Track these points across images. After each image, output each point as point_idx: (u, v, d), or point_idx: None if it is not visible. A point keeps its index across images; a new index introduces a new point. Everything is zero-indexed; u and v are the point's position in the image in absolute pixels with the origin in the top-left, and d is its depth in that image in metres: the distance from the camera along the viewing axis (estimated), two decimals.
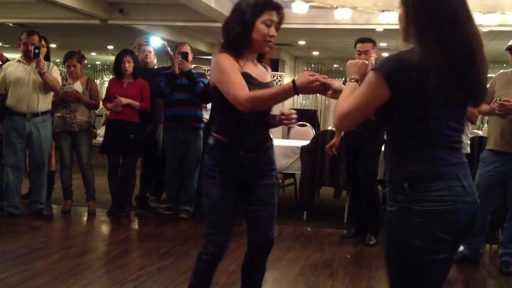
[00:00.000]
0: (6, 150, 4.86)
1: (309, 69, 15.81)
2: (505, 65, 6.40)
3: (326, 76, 2.10)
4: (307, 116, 10.72)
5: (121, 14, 9.68)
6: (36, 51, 4.64)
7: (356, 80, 1.83)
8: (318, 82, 2.08)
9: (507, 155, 3.73)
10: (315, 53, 14.62)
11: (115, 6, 9.70)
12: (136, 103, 4.97)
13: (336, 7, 8.04)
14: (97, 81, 15.78)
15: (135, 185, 5.32)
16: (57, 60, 12.12)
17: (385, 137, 1.88)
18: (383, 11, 8.01)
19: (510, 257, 3.86)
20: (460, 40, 1.59)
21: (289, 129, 7.41)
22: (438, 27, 1.59)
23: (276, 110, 2.44)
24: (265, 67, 2.42)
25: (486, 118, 7.66)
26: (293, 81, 2.10)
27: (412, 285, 1.70)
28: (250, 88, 2.19)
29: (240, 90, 2.16)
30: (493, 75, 4.06)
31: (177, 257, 3.90)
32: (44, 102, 4.86)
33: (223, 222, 2.37)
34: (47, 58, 5.15)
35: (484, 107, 3.88)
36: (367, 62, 1.96)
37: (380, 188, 4.96)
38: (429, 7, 1.61)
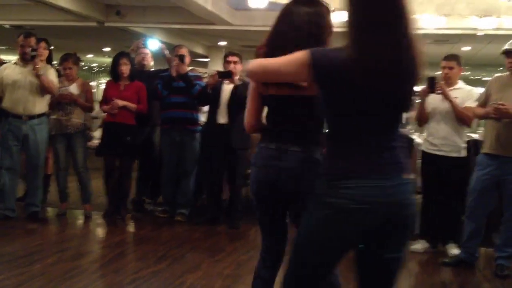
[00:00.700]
0: (2, 153, 4.84)
1: None
2: (500, 68, 6.43)
3: None
4: None
5: (118, 16, 9.70)
6: (33, 53, 4.63)
7: None
8: None
9: (502, 159, 3.74)
10: None
11: (112, 9, 9.71)
12: (133, 105, 4.96)
13: (333, 10, 8.05)
14: (94, 83, 15.76)
15: (131, 187, 5.31)
16: (54, 62, 12.10)
17: None
18: None
19: (505, 260, 3.87)
20: (388, 45, 1.59)
21: None
22: (368, 30, 1.61)
23: None
24: None
25: (482, 121, 7.68)
26: None
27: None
28: None
29: None
30: (489, 79, 4.08)
31: (172, 260, 3.88)
32: (41, 105, 4.85)
33: None
34: (49, 60, 5.14)
35: (480, 110, 3.90)
36: None
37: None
38: (362, 10, 1.65)
